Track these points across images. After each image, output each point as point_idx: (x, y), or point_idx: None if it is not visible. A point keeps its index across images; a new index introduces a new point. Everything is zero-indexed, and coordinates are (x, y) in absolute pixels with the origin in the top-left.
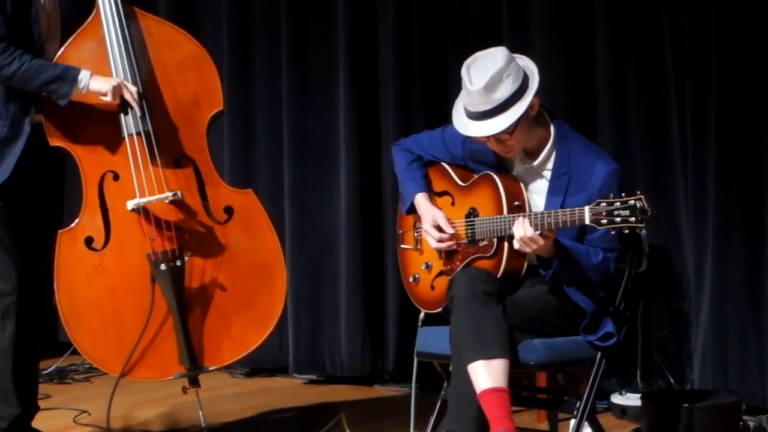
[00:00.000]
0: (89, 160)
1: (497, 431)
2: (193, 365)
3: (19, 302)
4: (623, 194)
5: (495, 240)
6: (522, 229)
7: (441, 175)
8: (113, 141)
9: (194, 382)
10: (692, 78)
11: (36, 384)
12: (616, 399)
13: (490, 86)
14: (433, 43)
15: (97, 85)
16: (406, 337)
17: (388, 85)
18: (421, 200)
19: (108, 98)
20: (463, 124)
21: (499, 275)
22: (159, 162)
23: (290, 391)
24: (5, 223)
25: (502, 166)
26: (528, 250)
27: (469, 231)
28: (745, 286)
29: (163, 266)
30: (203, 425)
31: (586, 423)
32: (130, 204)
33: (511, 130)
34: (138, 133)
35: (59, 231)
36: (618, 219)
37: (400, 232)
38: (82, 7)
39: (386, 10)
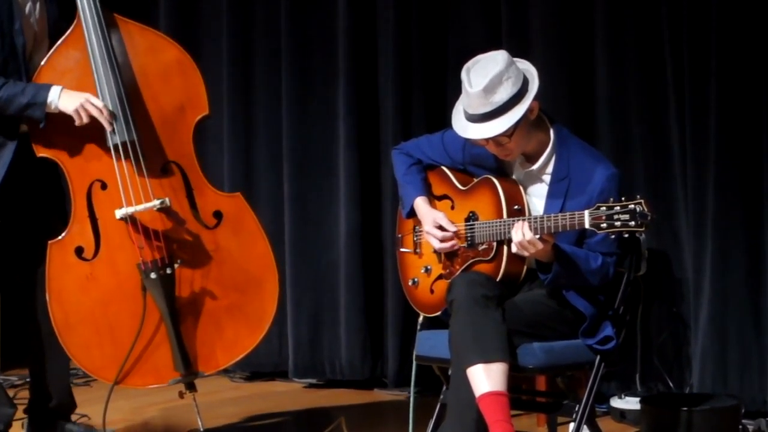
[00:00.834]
0: (76, 170)
1: None
2: (188, 371)
3: None
4: (623, 198)
5: (494, 244)
6: (521, 233)
7: (441, 179)
8: (99, 150)
9: (191, 387)
10: (692, 83)
11: (56, 382)
12: (616, 403)
13: (490, 89)
14: (433, 50)
15: (64, 104)
16: (405, 341)
17: (388, 92)
18: (420, 204)
19: (75, 120)
20: (462, 127)
21: (498, 279)
22: (145, 170)
23: (290, 395)
24: None
25: (502, 170)
26: (527, 254)
27: (469, 235)
28: (744, 290)
29: (153, 275)
30: (201, 429)
31: (585, 426)
32: (119, 213)
33: (510, 133)
34: (123, 143)
35: (49, 242)
36: (617, 223)
37: (399, 235)
38: (70, 15)
39: (386, 18)
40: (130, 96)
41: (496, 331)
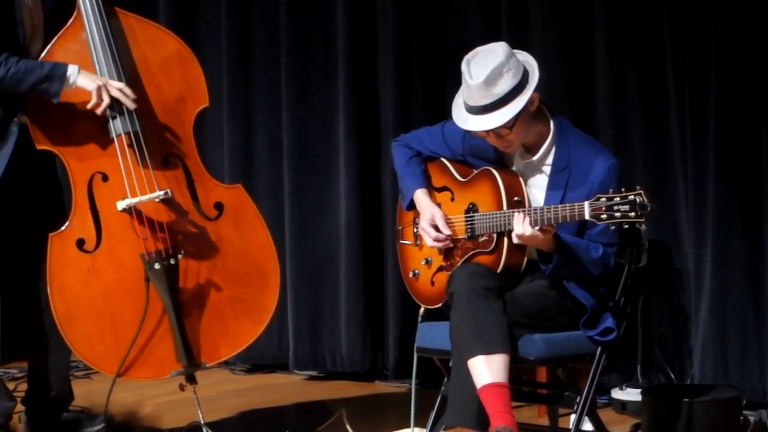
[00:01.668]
0: (77, 162)
1: (497, 426)
2: (190, 362)
3: None
4: (623, 189)
5: (495, 235)
6: (521, 225)
7: (440, 170)
8: (101, 142)
9: (191, 379)
10: (691, 76)
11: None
12: (617, 394)
13: (490, 80)
14: (432, 42)
15: (83, 81)
16: (406, 332)
17: (388, 84)
18: (420, 196)
19: (93, 99)
20: (462, 119)
21: (498, 270)
22: (148, 161)
23: (290, 387)
24: None
25: (502, 162)
26: (527, 244)
27: (469, 226)
28: (745, 282)
29: (157, 265)
30: (202, 422)
31: (586, 418)
32: (121, 204)
33: (510, 125)
34: (126, 133)
35: (50, 234)
36: (618, 214)
37: (399, 227)
38: (63, 9)
39: (385, 11)
40: (132, 87)
41: (496, 323)
